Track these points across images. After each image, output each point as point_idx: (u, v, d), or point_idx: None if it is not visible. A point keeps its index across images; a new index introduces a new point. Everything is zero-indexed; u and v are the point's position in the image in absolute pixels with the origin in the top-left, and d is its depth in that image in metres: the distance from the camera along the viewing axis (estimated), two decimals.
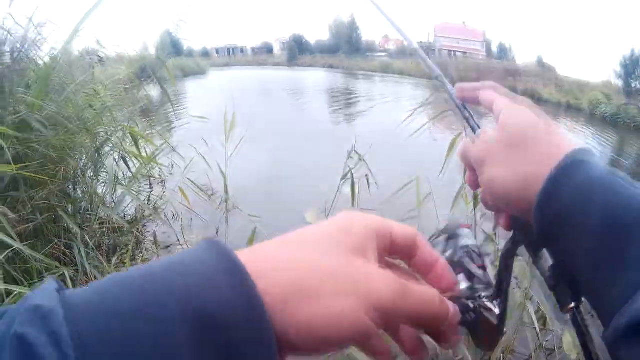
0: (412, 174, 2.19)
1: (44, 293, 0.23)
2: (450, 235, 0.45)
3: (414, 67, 32.90)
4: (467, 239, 0.45)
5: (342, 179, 2.22)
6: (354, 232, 0.29)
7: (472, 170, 0.46)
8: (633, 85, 22.32)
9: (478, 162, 0.44)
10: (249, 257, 0.26)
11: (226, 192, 2.51)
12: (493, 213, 0.46)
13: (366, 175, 2.31)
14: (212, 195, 2.34)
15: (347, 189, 2.24)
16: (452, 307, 0.31)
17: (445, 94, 0.55)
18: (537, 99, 24.25)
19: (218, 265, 0.25)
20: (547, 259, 0.38)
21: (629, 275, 0.30)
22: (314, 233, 0.29)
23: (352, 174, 2.21)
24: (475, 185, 0.46)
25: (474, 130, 0.49)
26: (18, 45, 2.37)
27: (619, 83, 24.46)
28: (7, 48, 2.55)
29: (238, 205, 2.38)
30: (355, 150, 2.25)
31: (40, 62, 2.74)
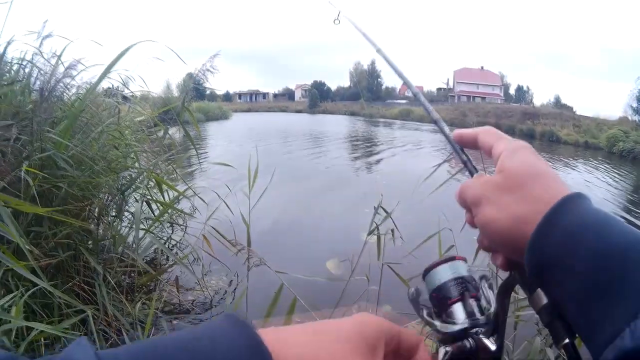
0: (436, 223, 2.16)
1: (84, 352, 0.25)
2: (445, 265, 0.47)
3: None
4: (461, 270, 0.46)
5: (368, 235, 2.20)
6: (367, 336, 0.34)
7: (470, 211, 0.46)
8: None
9: (474, 202, 0.44)
10: (273, 337, 0.30)
11: (249, 244, 2.49)
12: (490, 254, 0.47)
13: (392, 230, 2.29)
14: (240, 251, 2.32)
15: (371, 238, 2.22)
16: None
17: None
18: (556, 140, 24.08)
19: (244, 342, 0.28)
20: (542, 298, 0.38)
21: (616, 313, 0.31)
22: (335, 330, 0.33)
23: (377, 230, 2.20)
24: (474, 225, 0.46)
25: (471, 174, 0.50)
26: (47, 84, 2.42)
27: (636, 118, 24.25)
28: (36, 86, 2.61)
29: (265, 260, 2.35)
30: (381, 207, 2.24)
31: (67, 100, 2.81)
